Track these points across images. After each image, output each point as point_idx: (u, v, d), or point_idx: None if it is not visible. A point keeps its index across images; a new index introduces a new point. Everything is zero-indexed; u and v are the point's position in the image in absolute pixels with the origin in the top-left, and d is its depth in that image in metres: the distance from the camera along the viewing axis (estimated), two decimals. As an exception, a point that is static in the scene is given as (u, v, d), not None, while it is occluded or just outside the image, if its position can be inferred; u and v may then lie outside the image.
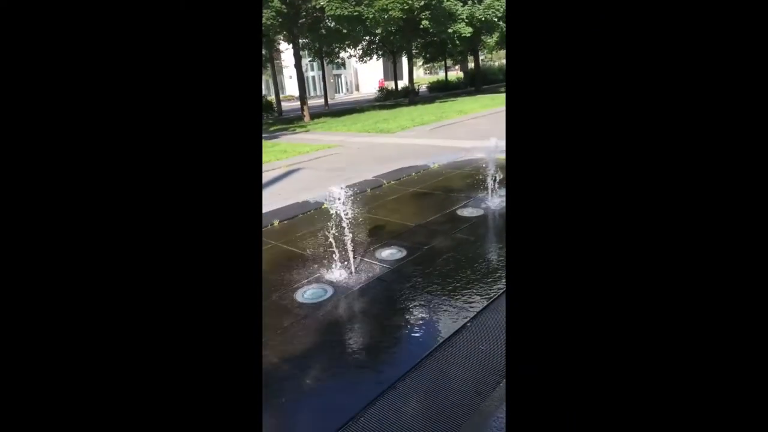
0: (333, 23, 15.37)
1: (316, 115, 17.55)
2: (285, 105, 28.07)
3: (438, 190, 5.50)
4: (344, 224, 4.47)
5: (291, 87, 39.97)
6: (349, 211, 4.85)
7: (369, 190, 5.71)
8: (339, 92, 42.14)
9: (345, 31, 15.36)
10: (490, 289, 2.94)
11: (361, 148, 9.10)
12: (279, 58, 28.12)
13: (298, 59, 16.50)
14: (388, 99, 24.76)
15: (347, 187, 5.91)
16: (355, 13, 13.33)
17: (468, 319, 2.59)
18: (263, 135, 12.78)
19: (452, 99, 20.15)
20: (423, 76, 44.38)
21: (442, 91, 27.67)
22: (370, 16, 13.30)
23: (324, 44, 19.56)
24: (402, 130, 11.08)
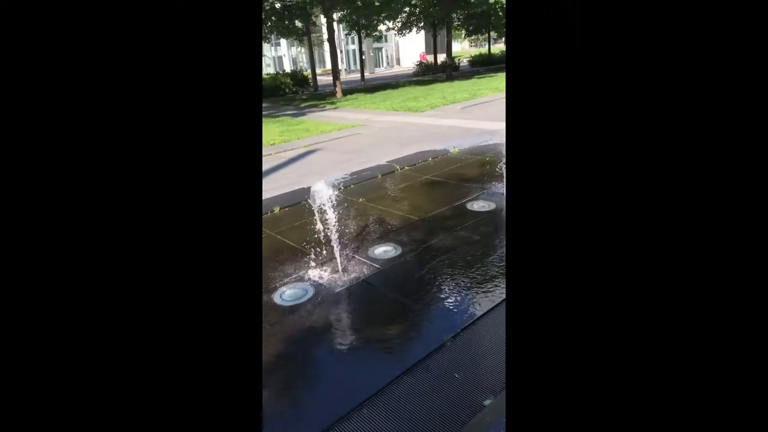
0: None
1: (349, 90, 17.19)
2: (324, 79, 27.84)
3: (452, 178, 5.14)
4: (344, 214, 4.25)
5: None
6: (352, 200, 4.63)
7: (380, 176, 5.42)
8: (379, 66, 41.34)
9: (377, 3, 14.75)
10: (480, 302, 2.63)
11: (385, 129, 8.76)
12: (318, 32, 27.75)
13: (330, 33, 16.06)
14: (427, 74, 23.95)
15: (357, 172, 5.69)
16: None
17: (448, 338, 2.31)
18: (293, 111, 12.66)
19: (492, 75, 19.21)
20: (468, 49, 42.76)
21: (484, 65, 26.44)
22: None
23: (361, 17, 19.03)
24: (431, 108, 10.60)
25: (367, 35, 22.71)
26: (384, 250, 3.45)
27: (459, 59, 27.14)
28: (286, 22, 16.84)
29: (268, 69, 33.08)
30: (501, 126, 7.51)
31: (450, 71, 19.99)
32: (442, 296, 2.75)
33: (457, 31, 30.02)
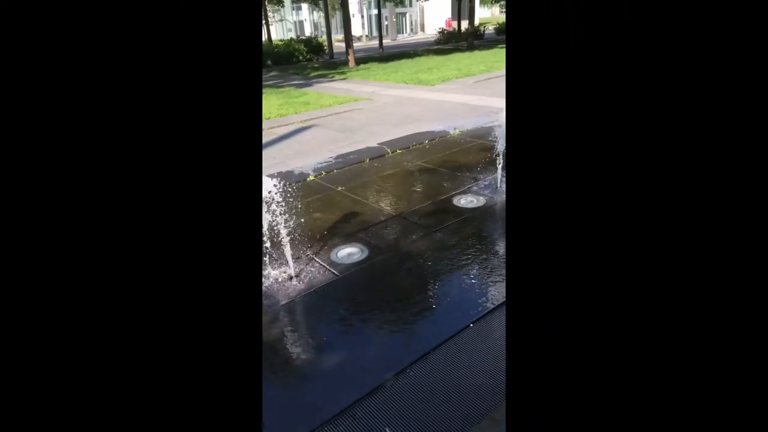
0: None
1: (363, 59, 16.47)
2: (343, 46, 26.95)
3: (444, 166, 4.67)
4: (315, 206, 3.87)
5: (355, 27, 38.41)
6: (330, 188, 4.24)
7: (367, 161, 4.99)
8: (402, 32, 39.82)
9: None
10: (438, 329, 2.25)
11: (389, 104, 8.23)
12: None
13: (344, -3, 15.27)
14: (449, 42, 22.84)
15: (345, 155, 5.27)
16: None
17: (390, 376, 1.95)
18: (300, 81, 12.17)
19: (516, 44, 18.10)
20: (498, 16, 40.76)
21: (510, 33, 24.97)
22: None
23: (380, -21, 18.08)
24: (442, 82, 9.96)
25: (385, 0, 21.67)
26: (348, 253, 3.08)
27: (484, 27, 25.78)
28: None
29: (289, 34, 32.26)
30: (499, 104, 6.93)
31: (471, 40, 18.92)
32: (397, 318, 2.37)
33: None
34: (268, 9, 24.00)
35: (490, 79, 9.85)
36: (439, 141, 5.58)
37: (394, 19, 36.27)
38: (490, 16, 44.69)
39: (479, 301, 2.45)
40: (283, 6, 22.73)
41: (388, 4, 22.97)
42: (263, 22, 19.62)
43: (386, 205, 3.80)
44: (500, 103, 7.25)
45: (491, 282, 2.64)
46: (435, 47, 20.52)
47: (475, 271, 2.75)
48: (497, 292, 2.54)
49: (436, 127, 6.12)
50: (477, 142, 5.40)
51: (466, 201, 3.77)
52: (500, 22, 28.86)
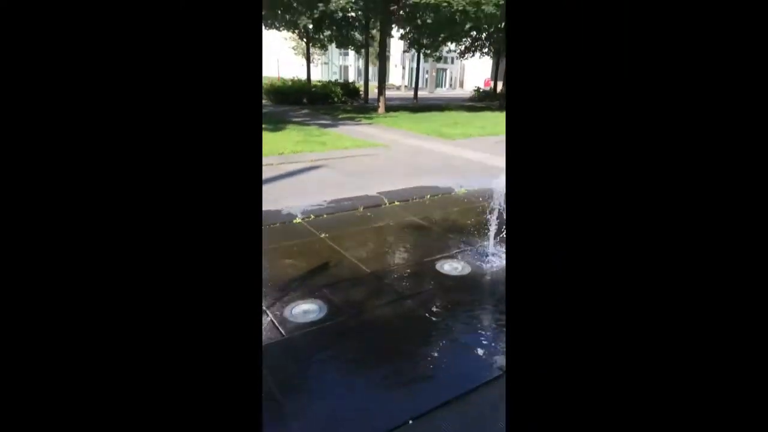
0: (428, 15, 14.30)
1: (395, 107, 16.72)
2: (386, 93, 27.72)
3: (438, 225, 4.39)
4: (291, 251, 3.62)
5: (395, 76, 39.64)
6: (312, 234, 4.01)
7: (361, 209, 4.77)
8: (442, 86, 40.82)
9: (429, 20, 14.22)
10: (367, 427, 1.89)
11: (405, 153, 8.11)
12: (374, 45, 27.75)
13: (382, 48, 15.69)
14: (483, 101, 23.12)
15: (340, 201, 5.07)
16: (444, 4, 12.12)
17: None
18: (327, 121, 12.32)
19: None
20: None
21: (546, 99, 25.17)
22: (459, 8, 12.01)
23: (422, 36, 18.63)
24: (465, 138, 9.84)
25: (426, 56, 22.29)
26: (304, 310, 2.78)
27: (520, 89, 26.04)
28: (344, 32, 16.70)
29: (333, 76, 33.50)
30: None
31: (503, 101, 19.03)
32: (325, 407, 2.04)
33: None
34: (311, 51, 25.08)
35: (513, 140, 9.69)
36: (441, 197, 5.33)
37: (434, 74, 37.33)
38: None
39: (431, 392, 2.09)
40: (327, 50, 23.60)
41: (425, 58, 23.57)
42: (306, 61, 20.38)
43: (364, 261, 3.52)
44: (516, 165, 7.02)
45: (454, 369, 2.28)
46: (468, 104, 20.75)
47: (438, 353, 2.41)
48: (455, 384, 2.17)
49: (444, 182, 5.89)
50: (479, 203, 5.11)
51: (450, 267, 3.45)
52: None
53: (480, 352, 2.42)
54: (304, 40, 19.63)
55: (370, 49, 19.41)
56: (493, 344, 2.48)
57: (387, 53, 36.74)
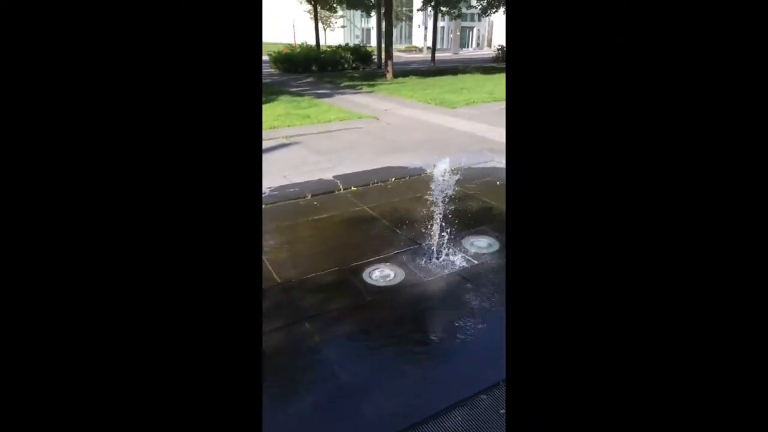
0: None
1: (406, 72, 15.72)
2: (402, 56, 26.37)
3: (389, 216, 3.78)
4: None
5: (418, 38, 37.81)
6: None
7: (309, 196, 4.21)
8: (468, 46, 38.69)
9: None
10: None
11: (393, 126, 7.40)
12: (400, 4, 26.25)
13: (388, 5, 14.54)
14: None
15: (288, 186, 4.52)
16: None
17: None
18: (326, 90, 11.63)
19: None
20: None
21: (577, 56, 23.26)
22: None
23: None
24: (467, 105, 8.98)
25: (443, 13, 20.84)
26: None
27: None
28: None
29: (356, 40, 32.24)
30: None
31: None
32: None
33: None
34: (327, 14, 23.95)
35: (519, 106, 8.75)
36: (407, 181, 4.68)
37: (458, 33, 35.30)
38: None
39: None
40: (335, 11, 22.44)
41: (447, 16, 22.08)
42: (315, 24, 19.44)
43: (279, 265, 2.99)
44: (511, 138, 6.23)
45: (340, 420, 1.76)
46: (486, 65, 19.37)
47: (325, 399, 1.88)
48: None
49: (420, 160, 5.22)
50: (446, 189, 4.44)
51: (380, 275, 2.88)
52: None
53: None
54: (312, 1, 18.61)
55: (383, 10, 18.24)
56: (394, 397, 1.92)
57: (409, 12, 34.88)
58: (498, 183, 4.48)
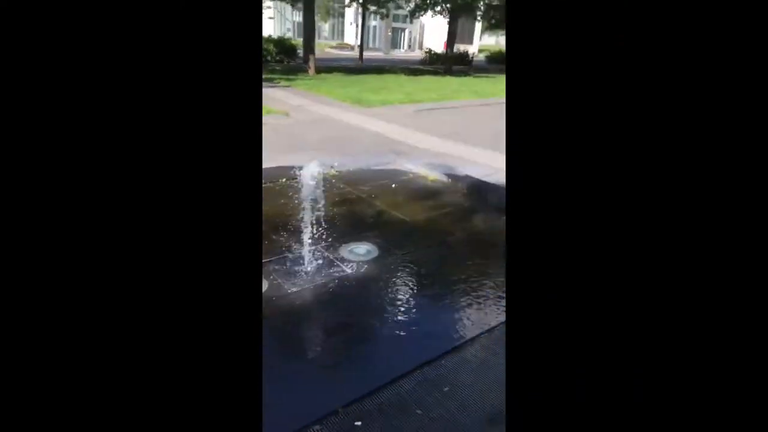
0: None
1: (330, 68, 15.41)
2: (336, 53, 25.95)
3: (267, 223, 3.48)
4: None
5: (349, 35, 37.51)
6: None
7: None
8: (400, 47, 39.03)
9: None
10: None
11: (302, 123, 7.08)
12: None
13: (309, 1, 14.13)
14: (434, 64, 21.94)
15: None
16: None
17: None
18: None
19: (493, 75, 17.26)
20: (502, 44, 40.19)
21: (501, 63, 24.30)
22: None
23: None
24: (383, 105, 8.86)
25: (372, 12, 20.74)
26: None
27: (474, 54, 25.01)
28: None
29: (288, 33, 31.22)
30: (417, 142, 5.81)
31: (450, 65, 18.02)
32: None
33: (478, 22, 27.73)
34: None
35: (434, 110, 8.77)
36: (298, 182, 4.41)
37: (389, 33, 35.52)
38: (494, 43, 44.20)
39: None
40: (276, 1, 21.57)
41: (376, 16, 22.03)
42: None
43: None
44: (422, 139, 6.15)
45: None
46: (414, 67, 19.56)
47: None
48: None
49: (315, 162, 4.95)
50: (337, 191, 4.22)
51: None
52: (500, 50, 28.10)
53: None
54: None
55: (329, 7, 17.73)
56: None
57: (341, 8, 34.48)
58: (393, 186, 4.33)
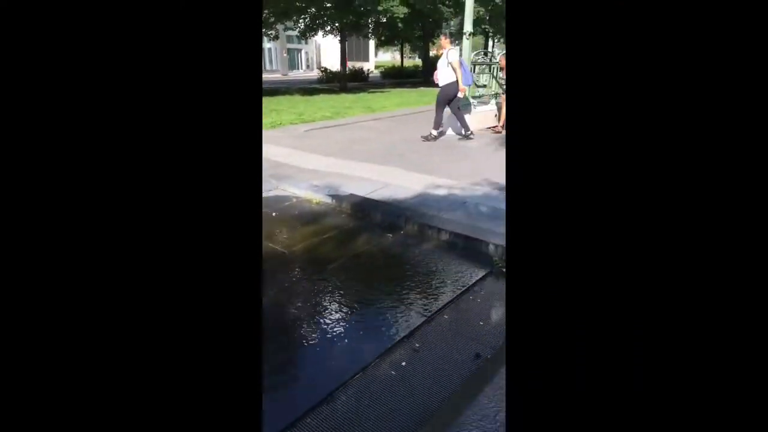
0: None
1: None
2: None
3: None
4: None
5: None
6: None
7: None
8: (298, 68, 38.76)
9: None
10: None
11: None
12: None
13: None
14: (332, 82, 21.98)
15: None
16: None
17: None
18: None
19: (387, 90, 17.69)
20: (397, 60, 41.44)
21: (395, 78, 25.02)
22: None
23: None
24: (273, 128, 8.50)
25: (264, 35, 20.32)
26: None
27: (369, 70, 25.51)
28: None
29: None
30: (304, 163, 5.57)
31: (345, 83, 18.14)
32: None
33: (369, 39, 28.40)
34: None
35: (327, 128, 8.60)
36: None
37: (285, 54, 35.19)
38: (390, 59, 45.60)
39: None
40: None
41: (275, 38, 21.59)
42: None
43: None
44: (309, 159, 5.90)
45: None
46: (311, 86, 19.42)
47: None
48: None
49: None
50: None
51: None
52: (394, 65, 28.88)
53: None
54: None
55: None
56: None
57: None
58: (273, 214, 4.03)
